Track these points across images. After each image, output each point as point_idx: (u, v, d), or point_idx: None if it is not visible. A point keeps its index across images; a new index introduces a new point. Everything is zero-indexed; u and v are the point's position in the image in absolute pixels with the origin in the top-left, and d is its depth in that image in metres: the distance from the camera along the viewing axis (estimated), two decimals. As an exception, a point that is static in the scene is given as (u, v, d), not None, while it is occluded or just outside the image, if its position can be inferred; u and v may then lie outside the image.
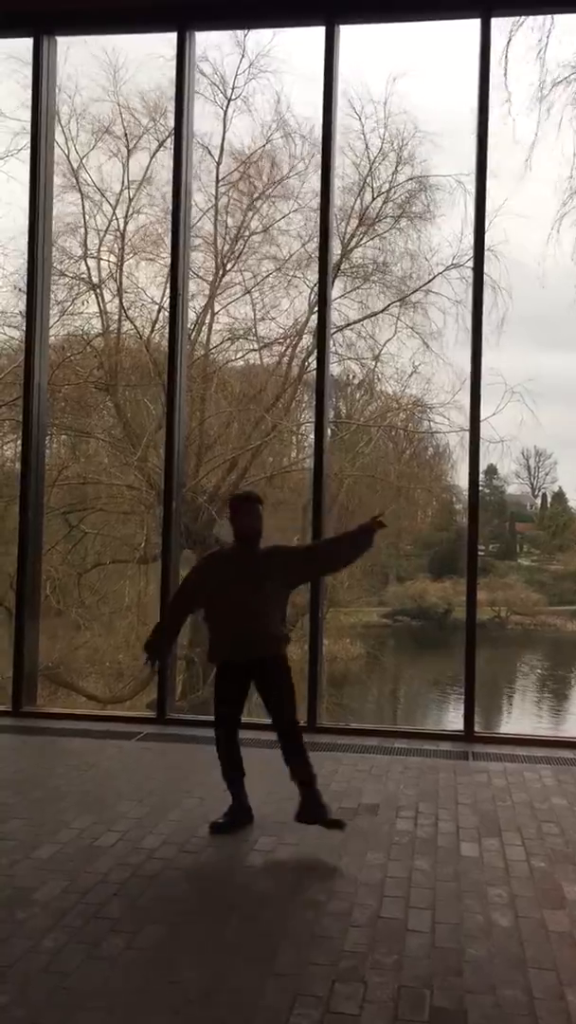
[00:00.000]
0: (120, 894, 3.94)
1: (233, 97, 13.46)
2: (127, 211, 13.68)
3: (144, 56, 13.10)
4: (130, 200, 13.63)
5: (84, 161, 13.50)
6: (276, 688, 4.81)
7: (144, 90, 13.42)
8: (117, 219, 13.68)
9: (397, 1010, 3.05)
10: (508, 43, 9.59)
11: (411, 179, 13.64)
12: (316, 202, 8.15)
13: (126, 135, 13.44)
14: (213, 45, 13.97)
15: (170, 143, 12.49)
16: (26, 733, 6.84)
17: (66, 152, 13.19)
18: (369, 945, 3.50)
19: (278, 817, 4.93)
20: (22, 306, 8.27)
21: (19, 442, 8.04)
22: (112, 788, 5.45)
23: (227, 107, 13.54)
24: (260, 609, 4.85)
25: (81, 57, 12.80)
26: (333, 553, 5.25)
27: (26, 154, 7.64)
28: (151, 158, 13.44)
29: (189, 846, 4.52)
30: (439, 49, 12.45)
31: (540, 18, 9.39)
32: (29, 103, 7.58)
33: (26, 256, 7.62)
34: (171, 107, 8.48)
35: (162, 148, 13.22)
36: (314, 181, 12.61)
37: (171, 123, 8.32)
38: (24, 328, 7.72)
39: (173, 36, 7.46)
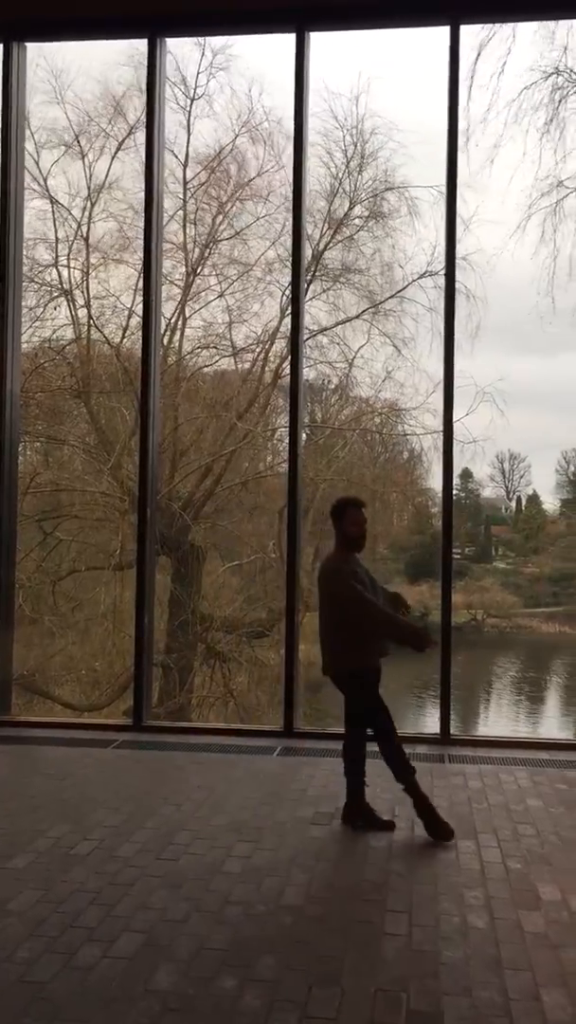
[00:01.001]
0: (96, 903, 3.93)
1: (196, 96, 13.37)
2: (90, 215, 13.56)
3: (100, 55, 12.98)
4: (91, 204, 13.51)
5: (48, 166, 13.34)
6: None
7: (103, 88, 13.28)
8: (81, 226, 13.55)
9: (374, 1013, 3.06)
10: (478, 56, 9.74)
11: (389, 189, 13.64)
12: (285, 204, 8.16)
13: (77, 138, 13.27)
14: (174, 44, 13.84)
15: (129, 143, 12.60)
16: (1, 742, 6.79)
17: (35, 158, 13.07)
18: (345, 949, 3.51)
19: (255, 823, 4.94)
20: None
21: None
22: (88, 796, 5.42)
23: (191, 107, 13.45)
24: None
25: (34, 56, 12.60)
26: None
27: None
28: (112, 159, 13.31)
29: (166, 854, 4.51)
30: (409, 57, 12.44)
31: (508, 26, 9.51)
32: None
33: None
34: (129, 105, 8.42)
35: (122, 150, 13.07)
36: (281, 185, 12.68)
37: (129, 122, 8.21)
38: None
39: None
